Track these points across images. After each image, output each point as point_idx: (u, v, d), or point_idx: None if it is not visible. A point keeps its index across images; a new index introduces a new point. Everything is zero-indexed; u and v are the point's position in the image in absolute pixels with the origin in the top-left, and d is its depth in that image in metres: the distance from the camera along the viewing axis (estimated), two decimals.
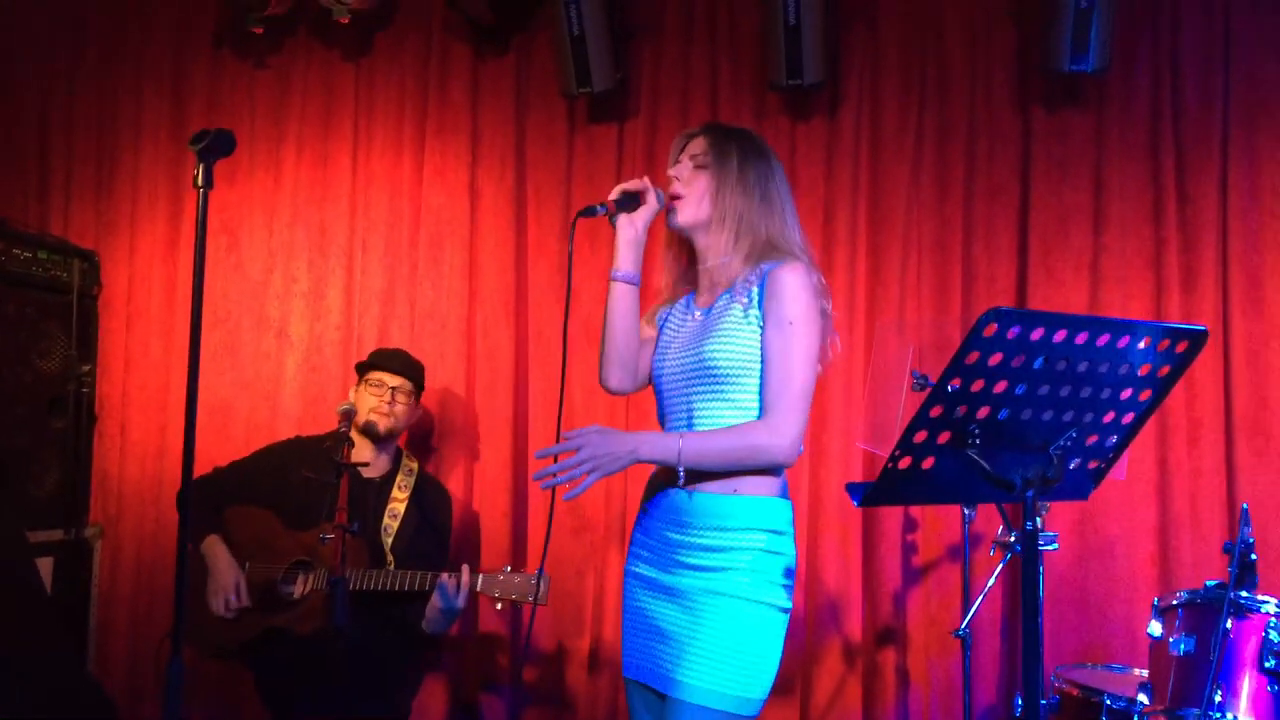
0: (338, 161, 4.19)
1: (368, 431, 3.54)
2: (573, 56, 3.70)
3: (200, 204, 2.09)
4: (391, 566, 3.42)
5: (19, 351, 3.98)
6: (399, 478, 3.59)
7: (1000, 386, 1.81)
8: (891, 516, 3.64)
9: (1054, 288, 3.63)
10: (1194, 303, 3.55)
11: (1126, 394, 1.94)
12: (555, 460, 2.17)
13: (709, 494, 2.22)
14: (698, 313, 2.37)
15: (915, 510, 3.64)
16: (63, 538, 4.10)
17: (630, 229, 2.36)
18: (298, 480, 3.51)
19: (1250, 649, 2.42)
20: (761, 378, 2.22)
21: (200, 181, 2.01)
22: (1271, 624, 2.41)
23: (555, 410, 3.88)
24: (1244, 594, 2.47)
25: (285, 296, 4.20)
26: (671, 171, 2.38)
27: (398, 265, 4.11)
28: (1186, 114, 3.59)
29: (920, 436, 1.82)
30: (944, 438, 1.84)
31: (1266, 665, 2.38)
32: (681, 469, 2.17)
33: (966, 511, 3.22)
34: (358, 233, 4.17)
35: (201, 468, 4.03)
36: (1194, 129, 3.58)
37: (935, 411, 1.79)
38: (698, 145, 2.38)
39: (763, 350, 2.21)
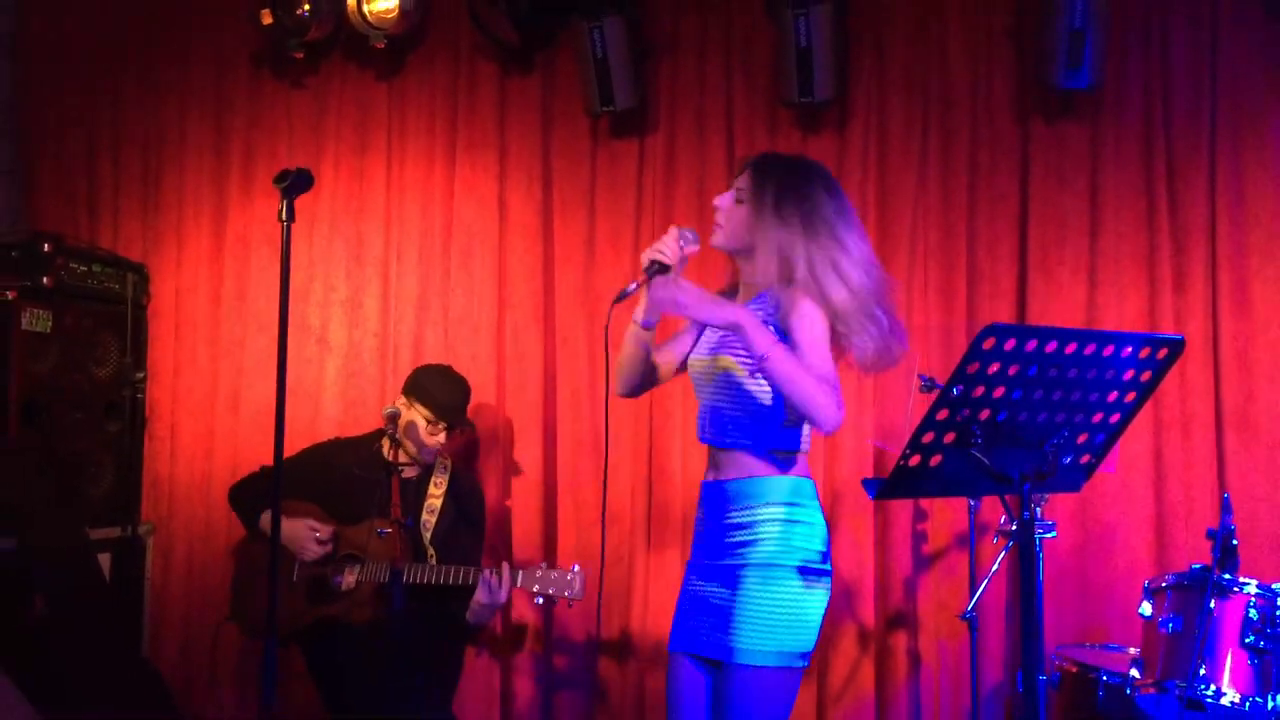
0: (372, 176, 4.42)
1: (410, 455, 3.74)
2: (596, 77, 3.92)
3: (284, 236, 2.33)
4: (433, 560, 3.66)
5: (77, 360, 4.22)
6: (435, 475, 3.81)
7: (999, 392, 2.04)
8: (902, 508, 3.87)
9: (1053, 291, 3.85)
10: (1185, 304, 3.77)
11: (1113, 397, 2.17)
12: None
13: (736, 480, 2.52)
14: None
15: (925, 501, 3.86)
16: (119, 535, 4.34)
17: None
18: (342, 478, 3.74)
19: (1232, 626, 2.65)
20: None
21: (284, 216, 2.24)
22: (1251, 604, 2.64)
23: (583, 410, 4.15)
24: (1226, 576, 2.70)
25: (325, 304, 4.43)
26: (717, 201, 2.63)
27: (431, 274, 4.34)
28: (1176, 125, 3.80)
29: (928, 437, 2.05)
30: (949, 438, 2.07)
31: (1247, 641, 2.61)
32: (763, 358, 2.34)
33: (972, 503, 3.44)
34: (392, 243, 4.40)
35: (247, 467, 4.30)
36: (1183, 139, 3.79)
37: (941, 415, 2.02)
38: (744, 179, 2.61)
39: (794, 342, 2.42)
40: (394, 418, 3.60)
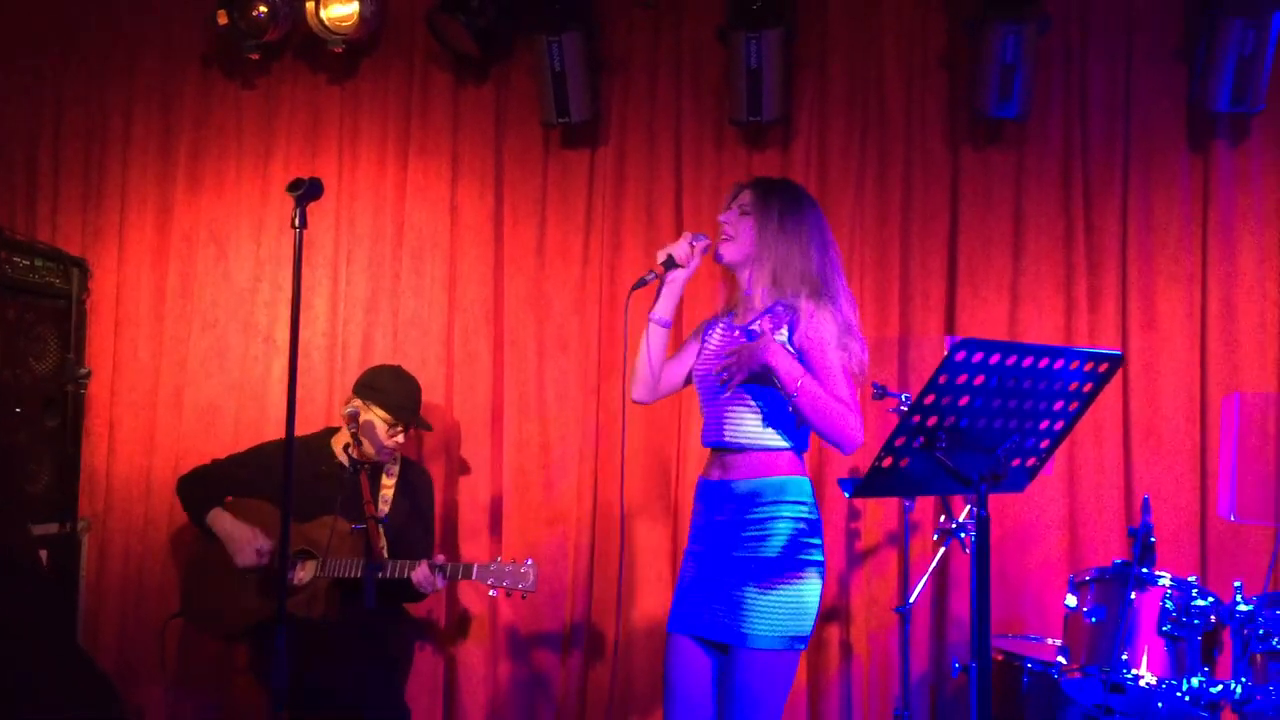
0: (323, 178, 4.41)
1: (367, 454, 3.81)
2: (554, 90, 4.05)
3: (297, 241, 2.41)
4: (385, 552, 3.74)
5: (18, 354, 4.19)
6: (386, 467, 3.89)
7: (964, 400, 2.24)
8: (837, 507, 4.08)
9: (978, 305, 4.12)
10: (1098, 320, 4.06)
11: (1059, 406, 2.39)
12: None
13: (749, 479, 2.72)
14: (736, 331, 2.84)
15: (858, 501, 4.08)
16: (56, 531, 4.31)
17: (676, 285, 2.84)
18: (295, 476, 3.80)
19: (1150, 616, 2.91)
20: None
21: (297, 222, 2.32)
22: (1168, 595, 2.90)
23: (530, 412, 4.28)
24: (1145, 570, 2.96)
25: (273, 304, 4.46)
26: (721, 217, 2.87)
27: (381, 276, 4.42)
28: (1093, 154, 4.10)
29: (900, 441, 2.24)
30: (918, 442, 2.27)
31: (1164, 629, 2.87)
32: (794, 395, 2.64)
33: (907, 503, 3.67)
34: (342, 245, 4.46)
35: (190, 464, 4.32)
36: (1099, 168, 4.09)
37: (914, 420, 2.22)
38: (746, 196, 2.87)
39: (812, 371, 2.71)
40: (354, 417, 3.68)
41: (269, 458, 3.90)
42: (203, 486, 3.82)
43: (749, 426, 2.75)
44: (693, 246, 2.84)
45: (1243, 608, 2.84)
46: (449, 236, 4.39)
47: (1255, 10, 3.65)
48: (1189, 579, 2.96)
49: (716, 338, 2.90)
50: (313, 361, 4.42)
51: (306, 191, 2.39)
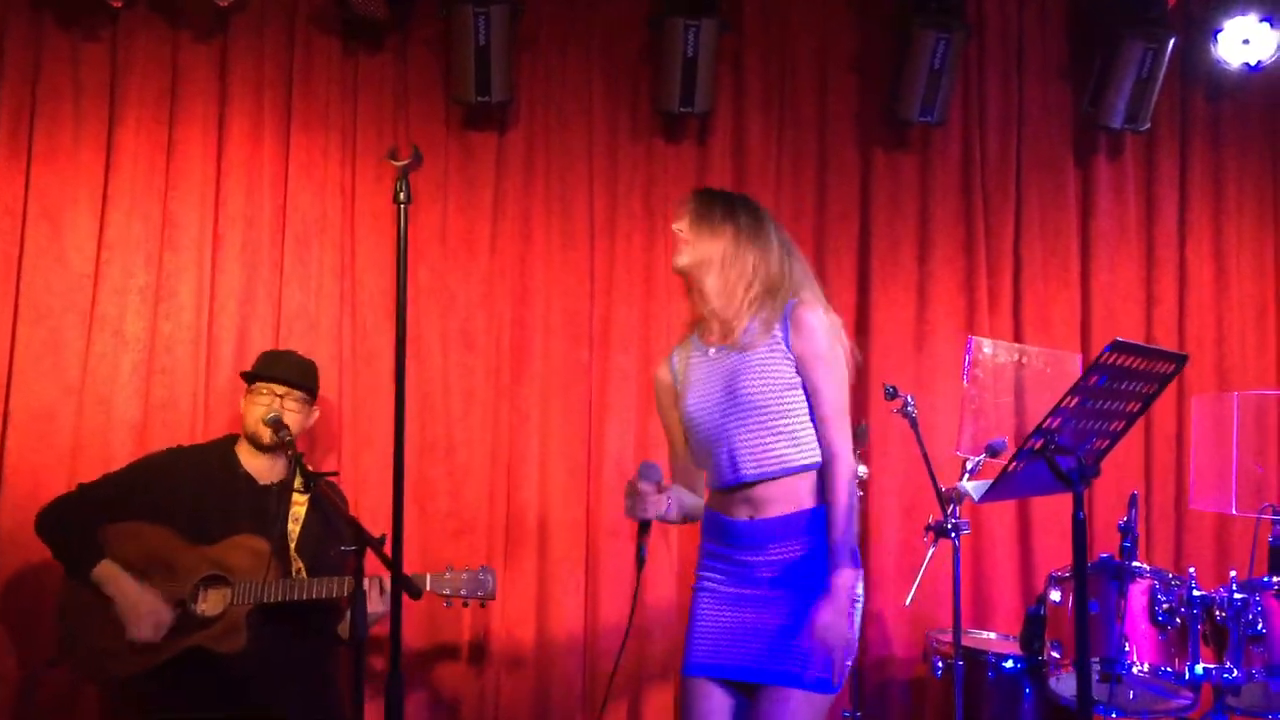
0: (186, 151, 3.91)
1: (254, 440, 3.40)
2: (476, 65, 3.74)
3: (401, 219, 2.04)
4: (301, 573, 3.33)
5: None
6: (296, 481, 3.47)
7: (1074, 402, 2.24)
8: None
9: (888, 306, 4.20)
10: (997, 321, 4.24)
11: (1129, 406, 2.43)
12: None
13: (776, 517, 2.49)
14: (712, 350, 2.60)
15: None
16: None
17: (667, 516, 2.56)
18: (190, 493, 3.33)
19: (1141, 607, 3.04)
20: (814, 411, 2.51)
21: (401, 198, 1.98)
22: (1156, 586, 3.05)
23: (436, 414, 3.96)
24: (1129, 563, 3.09)
25: (122, 292, 3.86)
26: (675, 225, 2.62)
27: (259, 264, 3.92)
28: (990, 163, 4.28)
29: (1028, 445, 2.20)
30: (1038, 444, 2.24)
31: (1157, 619, 3.01)
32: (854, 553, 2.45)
33: None
34: (207, 227, 3.92)
35: (18, 479, 3.70)
36: (995, 176, 4.28)
37: (1047, 423, 2.18)
38: (693, 203, 2.64)
39: (808, 385, 2.52)
40: (278, 421, 3.24)
41: (152, 474, 3.38)
42: (76, 525, 3.23)
43: (777, 450, 2.50)
44: (658, 486, 2.49)
45: (1238, 595, 3.03)
46: (340, 220, 3.96)
47: (1154, 35, 3.92)
48: (1190, 570, 3.13)
49: (697, 368, 2.62)
50: (175, 358, 3.87)
51: (412, 162, 2.03)
